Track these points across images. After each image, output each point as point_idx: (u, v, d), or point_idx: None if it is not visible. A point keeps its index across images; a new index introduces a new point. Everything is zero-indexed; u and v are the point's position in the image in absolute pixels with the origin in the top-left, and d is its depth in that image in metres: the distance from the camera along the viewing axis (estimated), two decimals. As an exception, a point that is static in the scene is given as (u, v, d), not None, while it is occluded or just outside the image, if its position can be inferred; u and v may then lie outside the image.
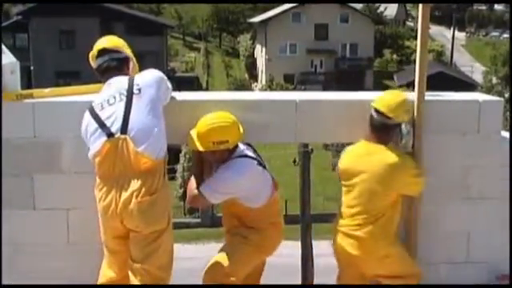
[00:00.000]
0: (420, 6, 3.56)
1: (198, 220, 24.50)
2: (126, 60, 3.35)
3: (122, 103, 3.06)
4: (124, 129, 3.02)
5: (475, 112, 3.71)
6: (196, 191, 3.32)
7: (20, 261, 3.60)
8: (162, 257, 3.12)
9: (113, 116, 3.05)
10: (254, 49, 52.85)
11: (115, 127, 3.03)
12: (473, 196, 3.79)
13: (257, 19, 51.57)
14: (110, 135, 3.03)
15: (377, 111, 3.45)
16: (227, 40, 59.61)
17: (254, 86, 47.09)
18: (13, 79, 3.59)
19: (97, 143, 3.07)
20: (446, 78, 33.90)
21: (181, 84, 36.09)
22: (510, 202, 3.75)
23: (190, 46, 56.31)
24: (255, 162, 3.38)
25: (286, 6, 48.58)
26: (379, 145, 3.46)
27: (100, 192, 3.10)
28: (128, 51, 3.38)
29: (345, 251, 3.51)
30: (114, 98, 3.10)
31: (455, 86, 27.70)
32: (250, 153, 3.42)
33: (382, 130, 3.45)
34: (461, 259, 3.84)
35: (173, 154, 28.18)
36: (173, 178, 27.84)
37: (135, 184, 2.99)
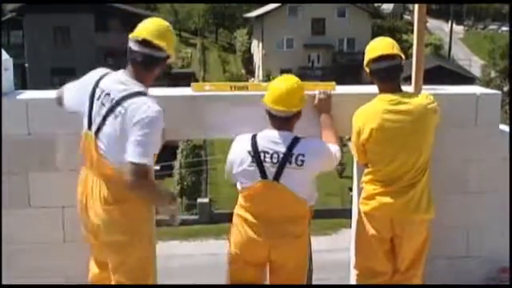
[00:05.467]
0: (416, 6, 3.54)
1: (196, 217, 24.48)
2: (162, 60, 3.05)
3: (103, 112, 2.93)
4: (97, 133, 2.95)
5: (473, 105, 3.70)
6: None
7: (16, 259, 3.58)
8: (131, 271, 3.03)
9: (97, 116, 2.96)
10: (250, 44, 52.76)
11: (94, 127, 2.96)
12: (472, 190, 3.77)
13: (253, 14, 51.45)
14: (89, 128, 2.98)
15: (389, 56, 3.31)
16: (223, 35, 59.50)
17: (250, 81, 47.03)
18: (6, 76, 3.57)
19: (83, 128, 3.03)
20: (444, 72, 33.81)
21: (177, 80, 36.06)
22: (511, 195, 3.74)
23: (186, 42, 56.18)
24: None
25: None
26: (400, 92, 3.33)
27: (79, 185, 3.09)
28: (172, 46, 3.04)
29: (391, 212, 3.29)
30: (107, 101, 2.93)
31: (453, 79, 27.76)
32: None
33: (399, 74, 3.36)
34: (460, 253, 3.83)
35: (170, 150, 28.21)
36: (170, 175, 27.82)
37: (103, 187, 2.96)
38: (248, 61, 52.13)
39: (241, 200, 3.26)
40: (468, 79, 36.61)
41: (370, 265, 3.46)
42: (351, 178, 4.28)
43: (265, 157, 3.11)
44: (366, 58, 3.39)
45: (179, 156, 28.46)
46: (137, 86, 2.95)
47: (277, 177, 3.10)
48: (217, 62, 51.95)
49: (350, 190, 19.36)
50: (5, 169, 3.48)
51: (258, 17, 49.04)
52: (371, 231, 3.40)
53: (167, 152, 26.12)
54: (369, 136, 3.29)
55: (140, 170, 2.81)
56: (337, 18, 47.41)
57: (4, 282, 3.53)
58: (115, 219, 2.96)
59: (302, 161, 3.10)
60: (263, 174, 3.11)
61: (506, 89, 33.81)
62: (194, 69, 48.69)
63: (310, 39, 46.87)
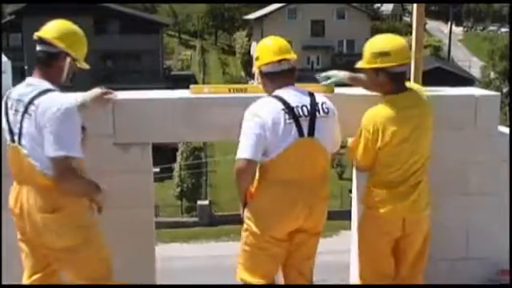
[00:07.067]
0: (414, 5, 3.54)
1: (196, 219, 24.46)
2: (56, 55, 3.04)
3: (19, 117, 2.92)
4: (20, 141, 2.92)
5: (472, 107, 3.69)
6: None
7: (14, 262, 3.57)
8: (92, 270, 3.04)
9: (15, 125, 2.94)
10: (250, 46, 52.79)
11: (16, 137, 2.94)
12: (471, 191, 3.77)
13: (252, 16, 51.50)
14: (13, 140, 2.96)
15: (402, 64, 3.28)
16: (223, 37, 59.54)
17: (250, 83, 47.01)
18: (4, 79, 3.56)
19: (6, 142, 3.01)
20: (443, 73, 33.87)
21: (177, 82, 36.11)
22: (510, 197, 3.73)
23: (186, 44, 56.23)
24: None
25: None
26: (405, 92, 3.31)
27: (11, 193, 3.05)
28: (71, 44, 3.07)
29: (403, 212, 3.28)
30: (20, 106, 2.92)
31: (453, 81, 27.75)
32: None
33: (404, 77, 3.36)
34: (460, 255, 3.83)
35: (170, 152, 28.18)
36: (169, 178, 27.80)
37: (38, 196, 2.91)
38: (248, 63, 52.10)
39: (271, 172, 3.08)
40: (468, 80, 36.64)
41: (378, 268, 3.40)
42: (351, 180, 4.27)
43: (298, 111, 3.08)
44: (390, 61, 3.22)
45: (179, 158, 28.43)
46: (45, 84, 2.96)
47: (311, 131, 3.08)
48: (216, 64, 51.99)
49: (350, 191, 19.36)
50: (3, 170, 3.47)
51: (257, 19, 49.10)
52: (383, 235, 3.34)
53: (167, 154, 26.13)
54: (390, 139, 3.22)
55: (61, 164, 2.81)
56: (336, 19, 47.50)
57: (3, 283, 3.52)
58: (57, 227, 2.92)
59: (327, 108, 3.16)
60: (300, 131, 3.06)
61: (505, 90, 33.83)
62: (194, 71, 48.77)
63: (309, 41, 46.92)
